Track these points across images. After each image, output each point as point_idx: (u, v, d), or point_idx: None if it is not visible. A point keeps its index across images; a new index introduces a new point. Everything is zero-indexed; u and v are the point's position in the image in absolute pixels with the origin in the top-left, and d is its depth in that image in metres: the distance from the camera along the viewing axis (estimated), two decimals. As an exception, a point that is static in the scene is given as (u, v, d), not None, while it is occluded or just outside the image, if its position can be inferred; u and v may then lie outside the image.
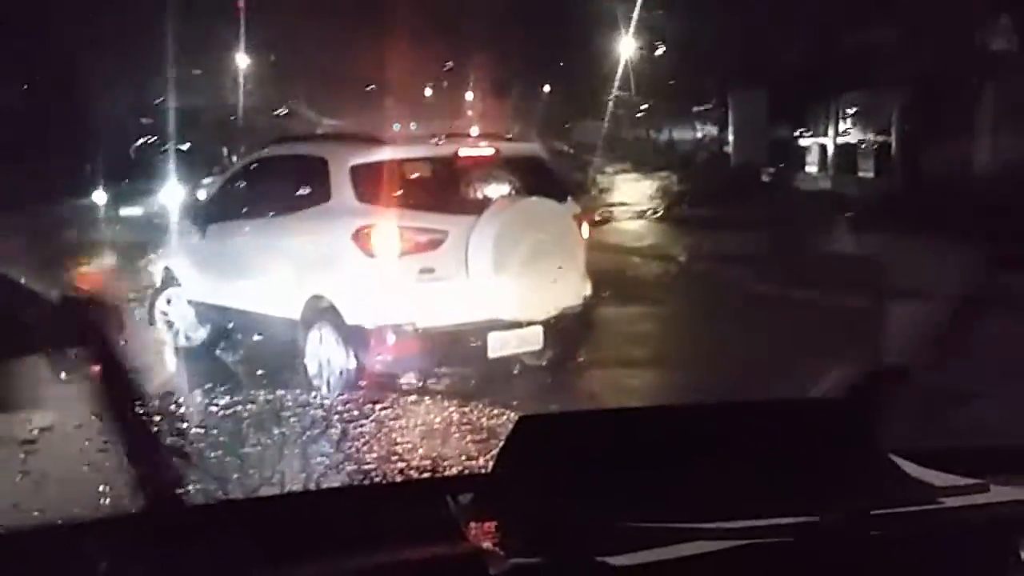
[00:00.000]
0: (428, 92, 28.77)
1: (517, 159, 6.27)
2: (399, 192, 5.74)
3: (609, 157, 25.52)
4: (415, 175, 5.91)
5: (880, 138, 18.60)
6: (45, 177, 14.16)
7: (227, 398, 1.85)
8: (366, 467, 1.50)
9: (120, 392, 1.49)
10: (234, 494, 1.41)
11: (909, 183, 15.57)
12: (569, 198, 6.33)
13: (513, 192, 5.96)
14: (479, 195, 5.93)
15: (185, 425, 1.73)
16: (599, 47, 23.50)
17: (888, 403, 1.48)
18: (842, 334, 5.63)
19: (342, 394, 4.64)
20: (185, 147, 15.71)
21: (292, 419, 1.77)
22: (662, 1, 19.42)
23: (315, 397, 2.37)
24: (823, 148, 20.71)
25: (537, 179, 6.15)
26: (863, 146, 19.13)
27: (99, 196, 15.30)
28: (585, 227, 6.23)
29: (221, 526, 1.26)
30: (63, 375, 2.13)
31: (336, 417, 1.81)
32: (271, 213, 6.20)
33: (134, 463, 1.35)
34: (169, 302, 6.91)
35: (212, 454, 1.56)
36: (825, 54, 18.61)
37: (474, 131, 7.22)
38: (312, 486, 1.46)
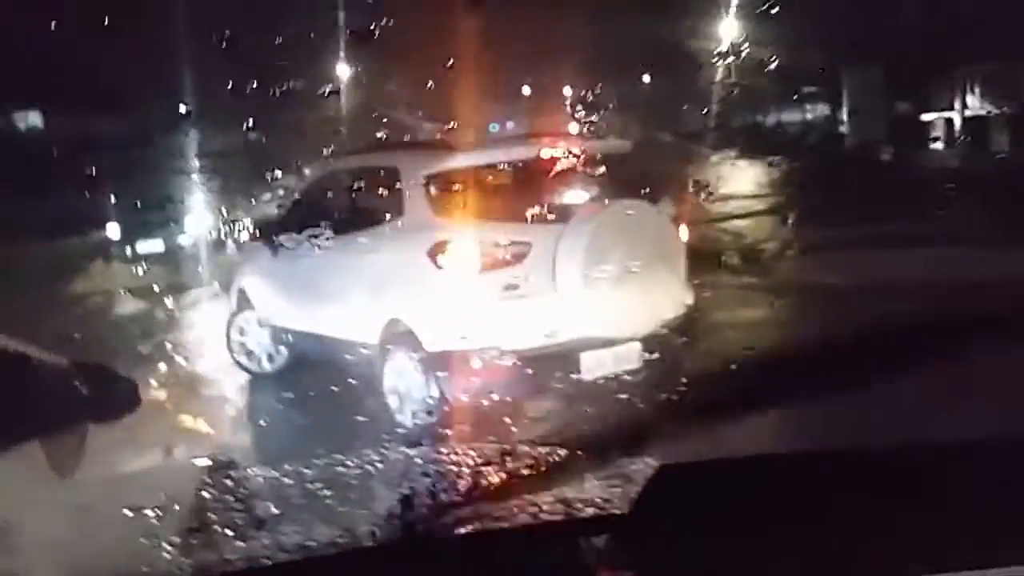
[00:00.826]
0: (526, 90, 28.48)
1: (605, 157, 5.76)
2: (477, 202, 5.34)
3: (715, 144, 24.61)
4: (494, 182, 5.50)
5: (1014, 111, 17.14)
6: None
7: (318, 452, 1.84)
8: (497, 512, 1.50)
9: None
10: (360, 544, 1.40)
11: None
12: (665, 198, 5.78)
13: (602, 195, 5.46)
14: (565, 200, 5.47)
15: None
16: (700, 31, 22.68)
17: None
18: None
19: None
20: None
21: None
22: None
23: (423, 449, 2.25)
24: (949, 123, 19.28)
25: (628, 179, 5.63)
26: (996, 120, 17.68)
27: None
28: (684, 229, 5.65)
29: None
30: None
31: (455, 465, 1.79)
32: (344, 229, 5.90)
33: None
34: (243, 328, 6.72)
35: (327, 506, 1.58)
36: (947, 19, 17.31)
37: (560, 128, 6.71)
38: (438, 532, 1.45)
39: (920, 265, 8.88)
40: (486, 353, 5.18)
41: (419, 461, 1.85)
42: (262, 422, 5.91)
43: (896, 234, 10.63)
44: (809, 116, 25.71)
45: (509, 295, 5.24)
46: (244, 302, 6.78)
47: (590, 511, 1.46)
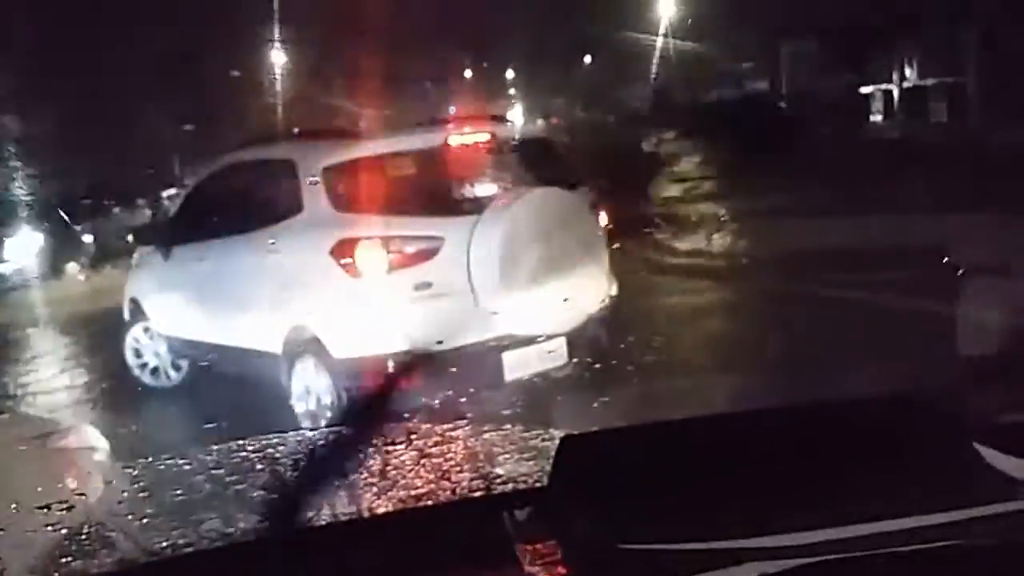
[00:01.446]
0: (468, 74, 28.13)
1: (519, 143, 5.44)
2: (382, 194, 4.97)
3: (655, 124, 24.61)
4: (400, 172, 5.13)
5: (953, 79, 17.31)
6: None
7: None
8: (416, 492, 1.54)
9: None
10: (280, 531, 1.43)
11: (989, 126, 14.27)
12: (585, 184, 5.48)
13: (518, 184, 5.14)
14: (478, 191, 5.13)
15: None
16: (639, 11, 22.63)
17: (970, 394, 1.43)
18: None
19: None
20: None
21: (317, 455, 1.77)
22: None
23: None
24: (887, 95, 19.45)
25: (544, 165, 5.32)
26: (934, 90, 17.86)
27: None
28: (604, 216, 5.36)
29: (271, 561, 1.29)
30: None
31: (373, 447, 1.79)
32: (239, 230, 5.48)
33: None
34: (138, 340, 6.27)
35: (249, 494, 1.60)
36: None
37: (472, 113, 6.35)
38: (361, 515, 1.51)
39: (855, 233, 8.85)
40: (399, 358, 4.84)
41: (329, 444, 1.87)
42: (160, 442, 5.50)
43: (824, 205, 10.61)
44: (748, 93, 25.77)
45: (421, 295, 4.89)
46: (137, 312, 6.32)
47: (509, 486, 1.48)
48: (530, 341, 5.03)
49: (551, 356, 5.11)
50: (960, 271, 4.68)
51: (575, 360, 5.14)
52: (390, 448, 1.76)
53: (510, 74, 29.27)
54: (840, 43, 19.44)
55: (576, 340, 5.12)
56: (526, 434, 1.81)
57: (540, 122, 23.64)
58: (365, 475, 1.64)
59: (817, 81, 20.17)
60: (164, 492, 1.72)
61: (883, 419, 1.33)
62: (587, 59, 28.57)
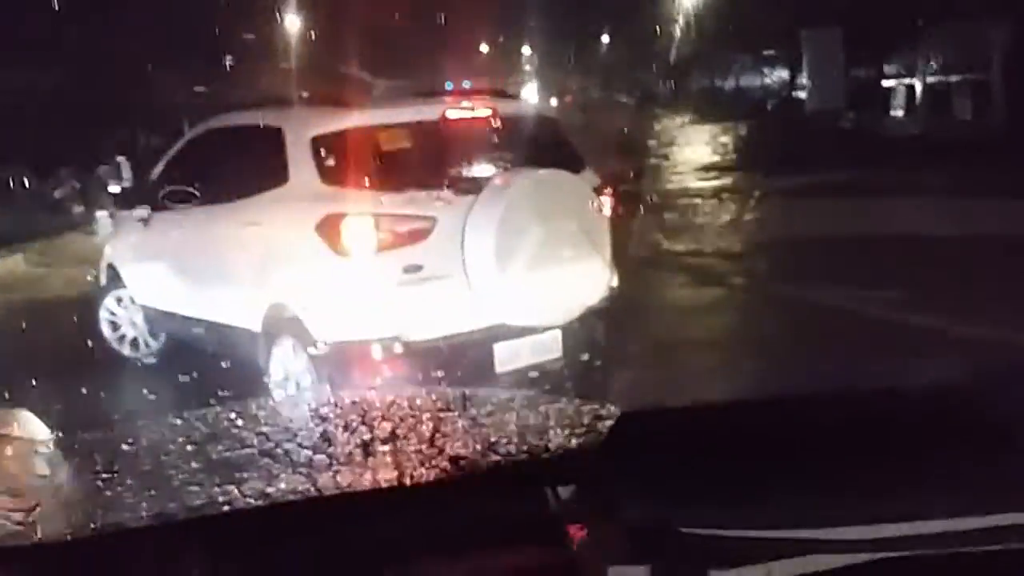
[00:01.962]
0: (484, 49, 27.87)
1: (522, 121, 5.16)
2: (373, 169, 4.70)
3: (674, 107, 24.31)
4: (394, 146, 4.85)
5: (978, 76, 16.92)
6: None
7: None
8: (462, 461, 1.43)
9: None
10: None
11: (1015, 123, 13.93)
12: (589, 167, 5.20)
13: (518, 164, 4.86)
14: (476, 170, 4.86)
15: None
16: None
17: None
18: None
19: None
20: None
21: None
22: None
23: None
24: (910, 89, 19.07)
25: (547, 146, 5.04)
26: (958, 86, 17.47)
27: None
28: (608, 202, 5.09)
29: (305, 525, 1.24)
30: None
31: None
32: (221, 198, 5.21)
33: None
34: (115, 307, 6.03)
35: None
36: None
37: (475, 87, 6.04)
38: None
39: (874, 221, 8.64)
40: (383, 344, 4.59)
41: (361, 409, 1.78)
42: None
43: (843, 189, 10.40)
44: (768, 81, 25.41)
45: (410, 278, 4.63)
46: (114, 279, 6.07)
47: (555, 460, 1.42)
48: (524, 332, 4.78)
49: (545, 349, 4.86)
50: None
51: (570, 354, 4.90)
52: (433, 415, 1.70)
53: (527, 51, 28.86)
54: (863, 34, 19.04)
55: (572, 333, 4.87)
56: (582, 408, 1.72)
57: (554, 100, 23.26)
58: (407, 440, 1.57)
59: (839, 71, 19.78)
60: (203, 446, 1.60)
61: (951, 412, 1.27)
62: (605, 39, 28.17)
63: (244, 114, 5.48)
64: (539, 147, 4.98)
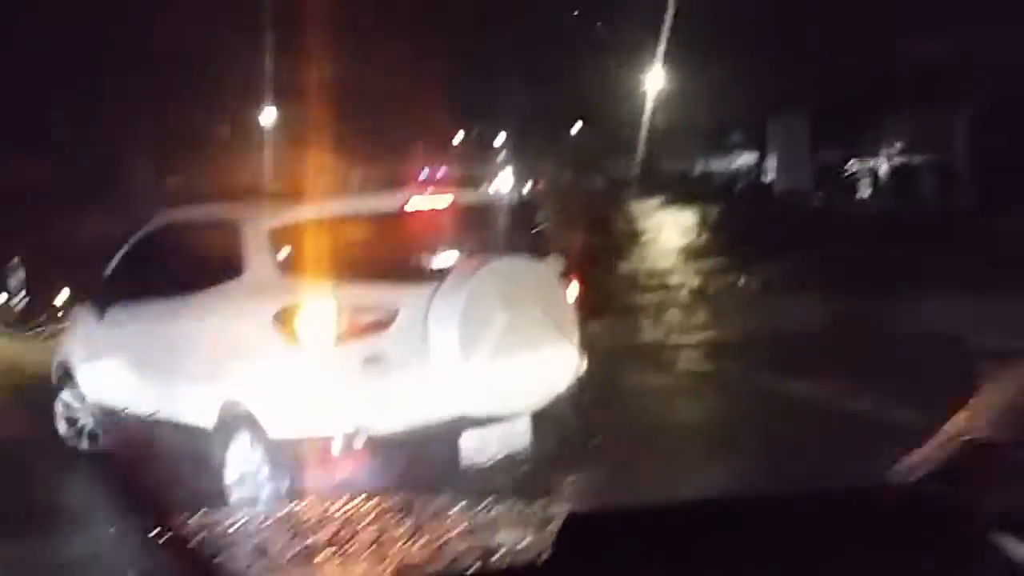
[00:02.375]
0: (459, 137, 28.42)
1: (485, 209, 5.16)
2: (334, 259, 4.62)
3: (646, 191, 24.68)
4: (355, 237, 4.80)
5: (941, 158, 17.41)
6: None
7: None
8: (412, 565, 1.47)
9: None
10: None
11: (979, 205, 14.23)
12: (554, 253, 5.17)
13: (482, 251, 4.81)
14: (439, 258, 4.81)
15: None
16: (631, 79, 22.92)
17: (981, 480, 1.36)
18: None
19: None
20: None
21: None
22: (694, 27, 18.72)
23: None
24: (874, 171, 19.53)
25: (511, 233, 5.02)
26: (922, 167, 17.95)
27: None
28: (575, 287, 5.04)
29: None
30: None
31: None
32: (177, 292, 5.10)
33: None
34: (67, 407, 5.84)
35: None
36: (872, 71, 17.69)
37: (436, 176, 6.06)
38: None
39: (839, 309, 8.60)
40: (345, 439, 4.43)
41: (314, 513, 1.81)
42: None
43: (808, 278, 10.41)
44: (737, 164, 25.94)
45: (372, 370, 4.51)
46: (66, 377, 5.90)
47: (506, 560, 1.46)
48: (491, 422, 4.65)
49: (514, 438, 4.72)
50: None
51: (539, 443, 4.76)
52: (383, 519, 1.71)
53: (501, 138, 29.40)
54: (829, 118, 19.60)
55: (541, 421, 4.75)
56: (528, 509, 1.75)
57: (528, 185, 23.68)
58: (356, 546, 1.59)
59: (805, 155, 20.27)
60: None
61: (895, 509, 1.32)
62: (577, 126, 28.82)
63: (200, 208, 5.43)
64: (503, 233, 4.96)
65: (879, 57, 17.30)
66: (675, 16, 17.40)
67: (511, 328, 4.58)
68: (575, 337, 4.86)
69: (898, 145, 19.32)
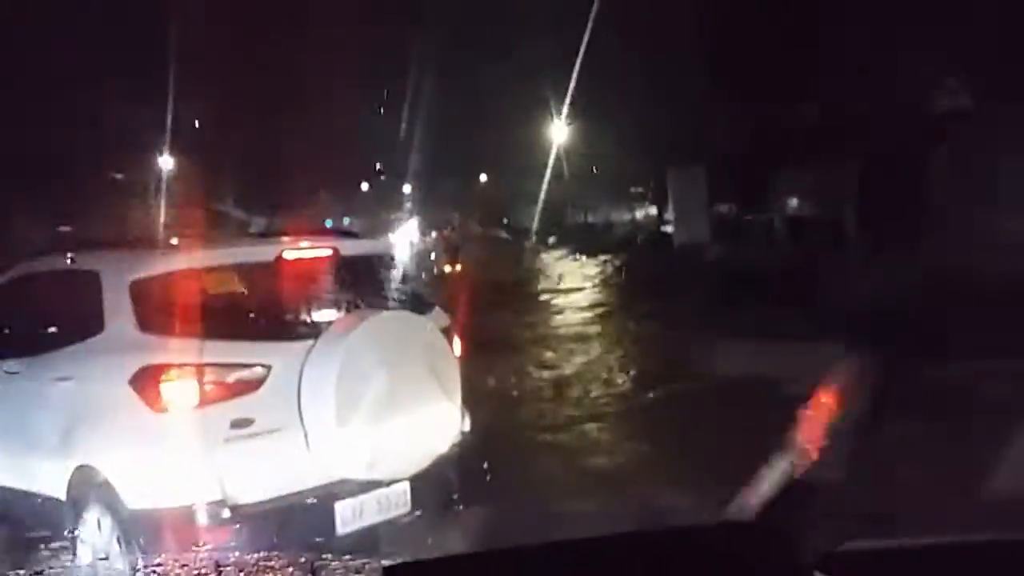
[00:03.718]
0: (365, 186, 28.45)
1: (365, 261, 5.05)
2: (199, 314, 4.43)
3: (548, 241, 25.05)
4: (222, 289, 4.62)
5: (833, 213, 18.24)
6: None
7: None
8: None
9: None
10: None
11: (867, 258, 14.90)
12: (437, 307, 5.10)
13: (360, 305, 4.70)
14: (315, 313, 4.67)
15: None
16: (533, 133, 23.43)
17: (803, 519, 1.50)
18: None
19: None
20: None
21: None
22: (595, 84, 19.23)
23: None
24: (769, 223, 20.30)
25: (392, 286, 4.93)
26: (817, 221, 18.76)
27: None
28: (457, 343, 4.97)
29: None
30: None
31: None
32: (30, 351, 4.78)
33: None
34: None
35: None
36: (768, 128, 18.52)
37: (310, 226, 5.91)
38: None
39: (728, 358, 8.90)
40: (208, 510, 4.21)
41: None
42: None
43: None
44: (637, 215, 26.61)
45: (239, 434, 4.29)
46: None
47: None
48: (368, 487, 4.50)
49: (391, 504, 4.57)
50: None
51: (418, 507, 4.64)
52: None
53: (407, 188, 29.57)
54: (726, 171, 20.33)
55: (421, 484, 4.62)
56: (350, 563, 1.77)
57: (433, 235, 23.75)
58: None
59: (702, 207, 20.92)
60: None
61: (727, 545, 1.36)
62: (483, 177, 29.31)
63: (60, 257, 5.15)
64: (383, 287, 4.86)
65: (774, 114, 18.08)
66: (580, 69, 17.86)
67: (391, 387, 4.44)
68: (458, 393, 4.77)
69: (792, 198, 20.13)
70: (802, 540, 1.40)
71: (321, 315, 4.62)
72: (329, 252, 4.80)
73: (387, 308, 4.67)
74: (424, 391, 4.58)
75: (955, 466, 4.44)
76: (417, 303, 4.90)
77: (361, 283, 4.83)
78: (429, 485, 4.61)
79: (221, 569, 1.81)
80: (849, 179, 17.26)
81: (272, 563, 1.89)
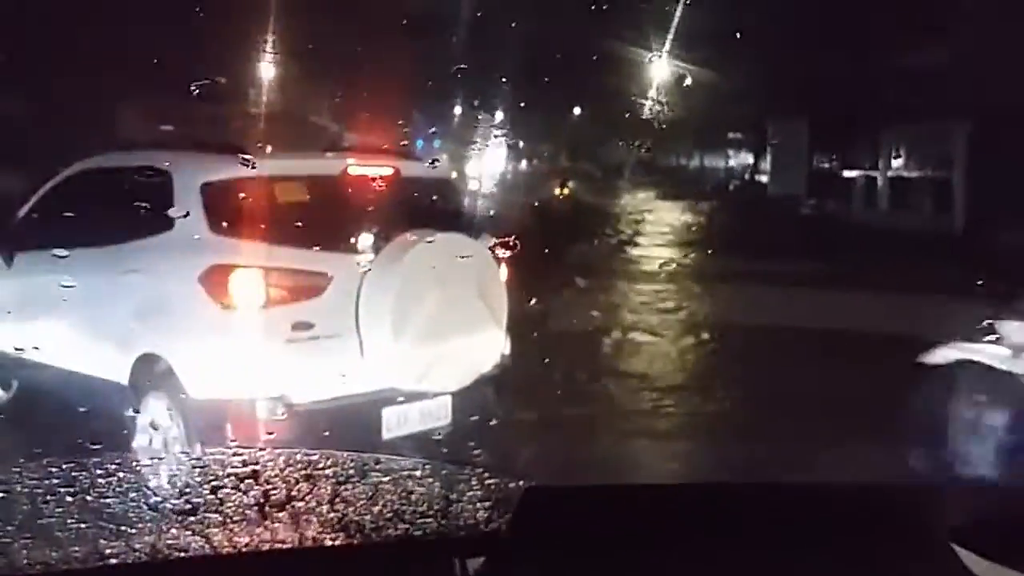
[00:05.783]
0: (458, 111, 28.69)
1: (424, 183, 5.38)
2: (267, 220, 4.85)
3: (639, 183, 25.09)
4: (290, 199, 5.01)
5: (939, 173, 17.84)
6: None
7: None
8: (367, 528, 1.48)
9: None
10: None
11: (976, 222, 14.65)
12: (490, 234, 5.43)
13: (420, 226, 5.06)
14: (375, 228, 5.05)
15: None
16: (632, 70, 23.25)
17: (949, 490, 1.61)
18: None
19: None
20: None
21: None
22: (699, 23, 19.00)
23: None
24: (870, 181, 19.94)
25: (448, 210, 5.27)
26: (920, 181, 18.39)
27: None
28: (504, 269, 5.30)
29: None
30: None
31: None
32: (97, 242, 5.10)
33: None
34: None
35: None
36: (874, 81, 18.01)
37: (382, 146, 6.23)
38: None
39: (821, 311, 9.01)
40: (266, 404, 4.67)
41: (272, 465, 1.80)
42: None
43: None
44: (732, 163, 26.30)
45: (299, 336, 4.70)
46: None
47: (463, 532, 1.48)
48: (413, 397, 4.90)
49: (433, 415, 4.97)
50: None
51: (458, 421, 5.04)
52: (340, 479, 1.73)
53: (499, 116, 29.66)
54: (829, 126, 19.94)
55: (462, 400, 5.01)
56: (489, 480, 1.78)
57: (523, 165, 24.25)
58: (311, 503, 1.61)
59: (802, 161, 20.65)
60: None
61: (861, 509, 1.38)
62: (576, 111, 29.09)
63: (130, 155, 5.55)
64: (440, 210, 5.21)
65: (880, 67, 17.64)
66: (682, 12, 17.68)
67: (443, 306, 4.81)
68: (504, 318, 5.12)
69: (896, 158, 19.71)
70: (944, 509, 1.44)
71: (382, 231, 4.97)
72: (393, 171, 5.14)
73: (443, 230, 5.00)
74: (473, 312, 4.92)
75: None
76: (470, 228, 5.22)
77: (421, 204, 5.17)
78: (469, 401, 4.98)
79: (362, 469, 1.77)
80: (959, 140, 16.82)
81: (414, 470, 1.86)
